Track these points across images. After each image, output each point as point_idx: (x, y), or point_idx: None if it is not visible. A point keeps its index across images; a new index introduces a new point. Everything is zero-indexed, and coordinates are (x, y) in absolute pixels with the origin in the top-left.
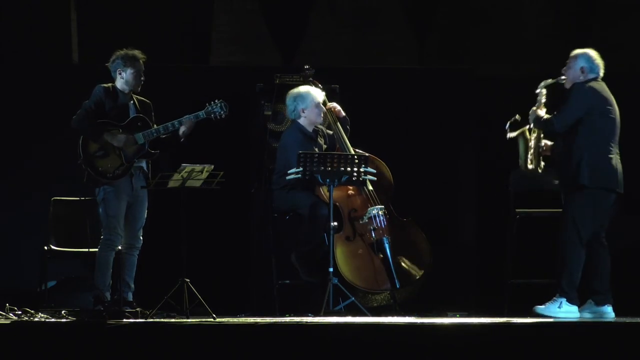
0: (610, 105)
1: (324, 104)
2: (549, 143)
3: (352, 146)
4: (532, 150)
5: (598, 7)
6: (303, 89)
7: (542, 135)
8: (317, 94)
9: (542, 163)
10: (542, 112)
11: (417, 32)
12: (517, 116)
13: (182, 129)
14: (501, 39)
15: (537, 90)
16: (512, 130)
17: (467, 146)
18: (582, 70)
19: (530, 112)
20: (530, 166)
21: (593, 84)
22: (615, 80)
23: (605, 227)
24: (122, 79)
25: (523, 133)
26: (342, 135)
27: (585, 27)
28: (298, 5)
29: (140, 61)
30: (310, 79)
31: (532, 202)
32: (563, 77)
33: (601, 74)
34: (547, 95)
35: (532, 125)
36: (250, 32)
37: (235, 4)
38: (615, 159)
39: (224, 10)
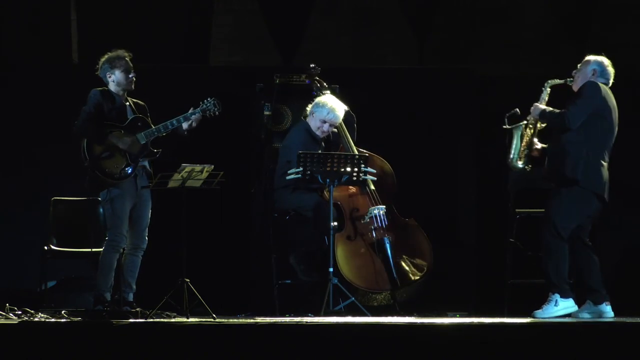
0: (614, 113)
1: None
2: (539, 145)
3: (355, 146)
4: (524, 147)
5: (598, 8)
6: (330, 101)
7: (536, 135)
8: (332, 113)
9: (530, 164)
10: (546, 108)
11: (417, 32)
12: (517, 110)
13: (185, 125)
14: (501, 39)
15: (543, 87)
16: (510, 123)
17: (467, 146)
18: (594, 72)
19: (533, 107)
20: (519, 163)
21: (603, 86)
22: (615, 81)
23: (587, 229)
24: (114, 82)
25: (519, 127)
26: (345, 134)
27: (585, 28)
28: (298, 5)
29: (127, 59)
30: (316, 77)
31: (532, 202)
32: (571, 79)
33: (610, 82)
34: (550, 94)
35: (533, 120)
36: (250, 32)
37: (235, 4)
38: (606, 166)
39: (224, 10)
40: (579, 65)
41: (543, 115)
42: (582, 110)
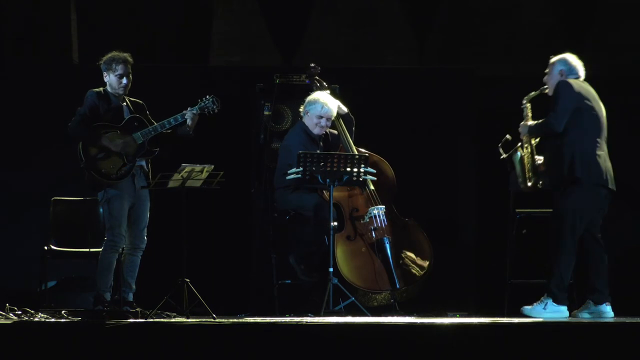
0: (595, 103)
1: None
2: (541, 159)
3: (355, 146)
4: (528, 167)
5: (598, 8)
6: (321, 96)
7: (535, 151)
8: (325, 107)
9: (540, 180)
10: (532, 123)
11: (417, 32)
12: (508, 136)
13: (188, 121)
14: (501, 39)
15: (522, 105)
16: (505, 151)
17: (467, 146)
18: (561, 73)
19: (520, 126)
20: (529, 183)
21: (575, 81)
22: (616, 81)
23: (598, 224)
24: (107, 83)
25: (516, 151)
26: (345, 134)
27: (586, 28)
28: (298, 5)
29: (124, 63)
30: (316, 77)
31: (532, 202)
32: (545, 87)
33: (582, 75)
34: (532, 108)
35: (525, 139)
36: (250, 32)
37: (235, 4)
38: (604, 156)
39: (224, 10)
40: (546, 70)
41: (531, 130)
42: (562, 112)
